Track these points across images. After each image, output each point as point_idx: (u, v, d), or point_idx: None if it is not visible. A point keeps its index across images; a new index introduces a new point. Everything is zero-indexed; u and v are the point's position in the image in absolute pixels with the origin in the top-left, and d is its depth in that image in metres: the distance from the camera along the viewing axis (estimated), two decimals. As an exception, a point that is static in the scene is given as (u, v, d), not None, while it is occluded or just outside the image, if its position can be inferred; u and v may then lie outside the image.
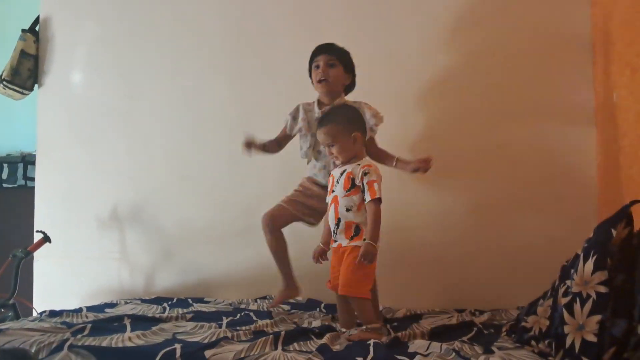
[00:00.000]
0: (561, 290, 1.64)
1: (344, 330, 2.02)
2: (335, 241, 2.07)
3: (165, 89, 3.11)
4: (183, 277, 2.98)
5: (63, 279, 3.14)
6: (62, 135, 3.25)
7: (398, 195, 2.64)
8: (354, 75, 2.45)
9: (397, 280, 2.60)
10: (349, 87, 2.46)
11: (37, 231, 2.91)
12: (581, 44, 2.63)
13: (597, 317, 1.42)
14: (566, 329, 1.51)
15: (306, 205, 2.41)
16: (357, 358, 1.60)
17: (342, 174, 2.05)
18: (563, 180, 2.65)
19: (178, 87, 3.09)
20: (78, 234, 3.13)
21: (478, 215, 2.69)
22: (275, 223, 2.39)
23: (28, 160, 3.52)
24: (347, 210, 2.01)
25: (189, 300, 2.73)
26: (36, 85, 3.32)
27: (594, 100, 2.59)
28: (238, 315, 2.35)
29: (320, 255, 2.18)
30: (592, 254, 1.51)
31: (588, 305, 1.46)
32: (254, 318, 2.29)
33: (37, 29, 3.32)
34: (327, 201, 2.13)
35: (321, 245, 2.19)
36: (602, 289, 1.44)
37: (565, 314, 1.53)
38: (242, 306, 2.61)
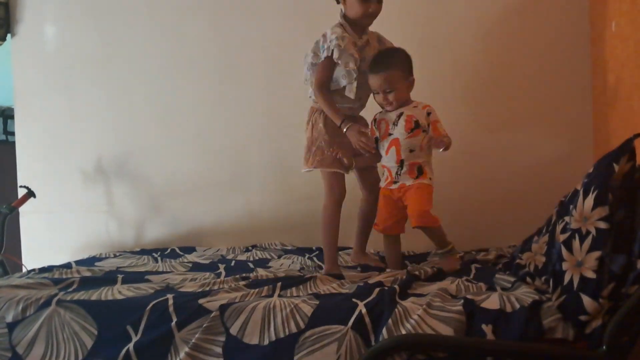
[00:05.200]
0: (559, 227, 1.60)
1: (389, 270, 2.06)
2: (396, 182, 2.07)
3: (144, 32, 2.98)
4: (172, 227, 2.93)
5: (50, 234, 3.08)
6: (39, 86, 3.12)
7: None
8: None
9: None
10: None
11: (21, 186, 2.84)
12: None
13: (597, 254, 1.39)
14: (564, 265, 1.48)
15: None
16: (354, 300, 1.57)
17: (399, 117, 2.06)
18: (558, 113, 2.61)
19: (157, 29, 2.96)
20: (63, 187, 3.06)
21: (466, 153, 2.62)
22: None
23: (8, 115, 3.39)
24: (411, 151, 2.04)
25: (177, 249, 2.70)
26: (9, 35, 3.16)
27: (590, 32, 2.51)
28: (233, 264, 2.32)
29: None
30: (592, 189, 1.47)
31: (587, 241, 1.43)
32: (252, 267, 2.25)
33: (6, -27, 3.14)
34: (381, 146, 2.11)
35: None
36: (603, 225, 1.41)
37: (564, 250, 1.50)
38: (231, 256, 2.57)
